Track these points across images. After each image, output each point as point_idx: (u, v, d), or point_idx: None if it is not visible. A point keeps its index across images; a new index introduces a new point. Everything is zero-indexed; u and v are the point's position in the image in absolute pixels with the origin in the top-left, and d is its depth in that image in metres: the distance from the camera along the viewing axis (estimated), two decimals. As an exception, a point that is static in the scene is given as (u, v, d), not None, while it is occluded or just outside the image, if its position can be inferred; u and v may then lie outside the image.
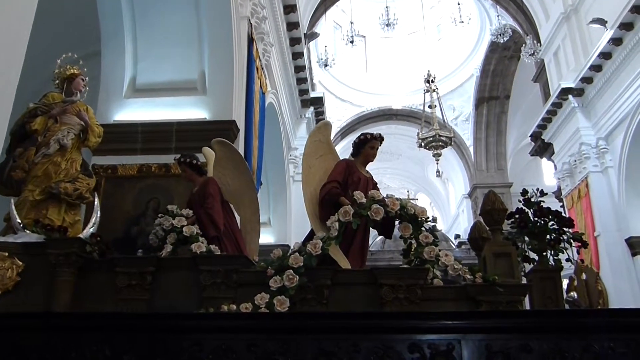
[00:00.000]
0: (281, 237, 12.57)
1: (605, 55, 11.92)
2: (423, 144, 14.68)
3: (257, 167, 8.77)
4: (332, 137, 19.56)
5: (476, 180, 20.87)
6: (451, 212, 25.28)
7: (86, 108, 5.38)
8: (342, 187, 4.86)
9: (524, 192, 4.64)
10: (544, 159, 16.78)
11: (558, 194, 14.76)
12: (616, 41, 11.48)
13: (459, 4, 16.81)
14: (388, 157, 22.95)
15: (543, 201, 4.56)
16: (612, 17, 11.49)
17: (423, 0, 19.58)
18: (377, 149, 5.26)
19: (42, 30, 4.08)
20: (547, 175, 20.49)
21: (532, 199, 4.56)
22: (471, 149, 21.10)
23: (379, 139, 5.24)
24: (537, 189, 4.65)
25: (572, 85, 13.18)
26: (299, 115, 15.13)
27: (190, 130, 7.23)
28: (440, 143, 14.42)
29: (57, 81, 5.46)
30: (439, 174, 17.28)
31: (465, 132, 21.17)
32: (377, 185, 5.17)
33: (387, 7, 16.93)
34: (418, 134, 14.93)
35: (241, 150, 7.55)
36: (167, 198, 6.86)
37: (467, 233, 4.92)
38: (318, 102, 15.56)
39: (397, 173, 25.64)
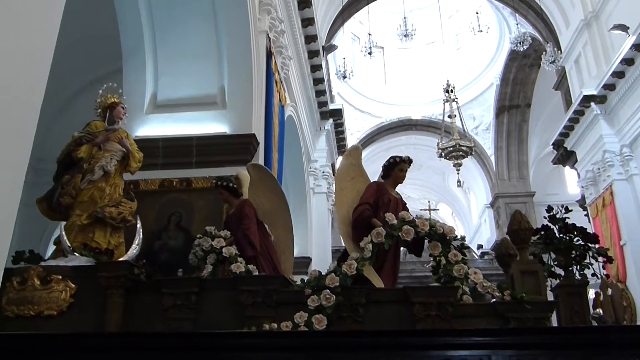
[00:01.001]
0: (302, 249, 12.56)
1: (628, 61, 11.76)
2: (443, 154, 14.59)
3: (277, 179, 8.78)
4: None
5: (498, 189, 20.67)
6: (473, 222, 25.06)
7: (127, 135, 5.64)
8: (374, 208, 5.04)
9: (549, 208, 4.72)
10: (567, 167, 16.58)
11: (582, 203, 14.56)
12: (638, 47, 11.34)
13: (477, 13, 16.76)
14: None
15: (568, 217, 4.61)
16: (633, 23, 11.35)
17: (441, 10, 19.55)
18: (406, 171, 5.43)
19: (64, 49, 4.16)
20: (571, 183, 20.23)
21: (557, 215, 4.62)
22: (492, 158, 20.92)
23: (408, 161, 5.42)
24: (562, 206, 4.73)
25: (594, 92, 13.03)
26: (318, 127, 15.15)
27: (210, 144, 7.28)
28: (461, 153, 14.31)
29: (99, 110, 5.73)
30: (460, 183, 17.12)
31: (486, 142, 21.01)
32: (407, 205, 5.34)
33: (405, 17, 16.91)
34: (438, 144, 14.85)
35: (261, 164, 7.57)
36: (188, 212, 6.91)
37: (490, 243, 5.02)
38: (337, 114, 15.57)
39: (417, 184, 25.51)
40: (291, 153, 11.60)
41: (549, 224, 4.65)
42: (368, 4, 16.87)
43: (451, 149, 14.29)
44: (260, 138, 7.76)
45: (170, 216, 6.88)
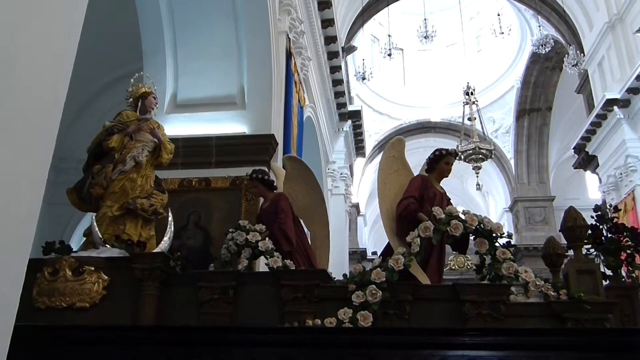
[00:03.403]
0: (319, 250, 12.52)
1: (653, 65, 11.60)
2: (462, 157, 14.47)
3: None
4: (369, 150, 19.43)
5: (517, 193, 20.49)
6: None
7: (158, 125, 5.51)
8: (418, 202, 4.91)
9: (597, 207, 4.60)
10: (588, 172, 16.38)
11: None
12: (664, 50, 11.16)
13: (499, 15, 16.61)
14: (427, 170, 22.71)
15: (617, 217, 4.53)
16: (659, 26, 11.18)
17: (462, 12, 19.42)
18: (452, 164, 5.30)
19: (85, 49, 4.20)
20: (592, 188, 19.99)
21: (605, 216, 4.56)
22: (512, 162, 20.75)
23: (454, 154, 5.32)
24: (611, 205, 4.63)
25: (618, 96, 12.85)
26: (336, 128, 15.14)
27: (229, 144, 7.28)
28: (480, 156, 14.18)
29: (131, 99, 5.62)
30: (479, 187, 17.00)
31: (506, 145, 20.83)
32: (451, 200, 5.21)
33: (425, 19, 16.83)
34: (457, 146, 14.74)
35: (279, 164, 7.57)
36: (207, 212, 6.91)
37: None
38: (356, 116, 15.55)
39: (435, 186, 25.34)
40: (309, 154, 11.59)
41: (597, 224, 4.54)
42: (388, 5, 16.82)
43: (471, 151, 14.17)
44: (279, 138, 7.76)
45: (189, 215, 6.89)
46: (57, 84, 2.78)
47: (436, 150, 5.36)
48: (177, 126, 7.57)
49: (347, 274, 4.46)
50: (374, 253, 21.03)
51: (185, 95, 7.80)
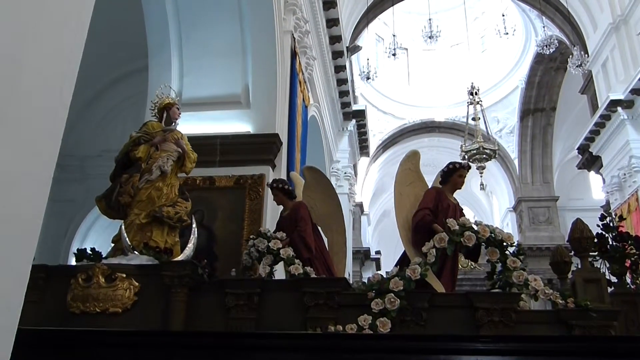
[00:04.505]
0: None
1: (657, 66, 11.59)
2: (466, 157, 14.47)
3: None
4: (373, 150, 19.39)
5: (521, 193, 20.48)
6: (495, 225, 24.77)
7: (181, 135, 5.67)
8: (433, 213, 5.13)
9: (603, 217, 4.78)
10: (592, 172, 16.37)
11: (607, 209, 14.35)
12: (668, 51, 11.15)
13: (503, 15, 16.61)
14: (430, 169, 22.52)
15: (622, 225, 4.69)
16: (663, 27, 11.17)
17: (466, 12, 19.42)
18: (465, 177, 5.51)
19: (92, 46, 4.23)
20: (595, 188, 19.97)
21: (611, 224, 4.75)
22: (516, 162, 20.73)
23: (467, 168, 5.53)
24: (615, 214, 4.80)
25: (622, 97, 12.86)
26: (340, 128, 15.15)
27: (233, 143, 7.31)
28: (484, 156, 14.19)
29: (155, 110, 5.81)
30: (482, 187, 16.99)
31: (510, 145, 20.83)
32: (463, 211, 5.44)
33: (429, 19, 16.84)
34: (461, 146, 14.75)
35: (283, 163, 7.60)
36: (210, 211, 6.94)
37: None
38: (360, 115, 15.57)
39: (439, 186, 25.31)
40: (314, 153, 11.61)
41: (603, 232, 4.74)
42: (393, 5, 16.83)
43: (474, 151, 14.17)
44: (284, 138, 7.79)
45: (193, 214, 6.92)
46: (63, 86, 2.80)
47: (450, 163, 5.57)
48: (182, 125, 7.57)
49: (351, 272, 4.57)
50: (378, 252, 21.05)
51: (189, 94, 7.82)
